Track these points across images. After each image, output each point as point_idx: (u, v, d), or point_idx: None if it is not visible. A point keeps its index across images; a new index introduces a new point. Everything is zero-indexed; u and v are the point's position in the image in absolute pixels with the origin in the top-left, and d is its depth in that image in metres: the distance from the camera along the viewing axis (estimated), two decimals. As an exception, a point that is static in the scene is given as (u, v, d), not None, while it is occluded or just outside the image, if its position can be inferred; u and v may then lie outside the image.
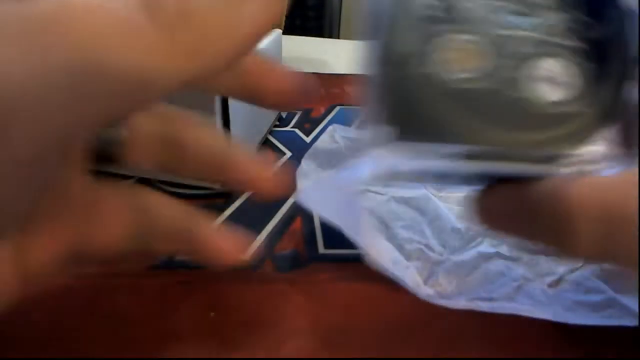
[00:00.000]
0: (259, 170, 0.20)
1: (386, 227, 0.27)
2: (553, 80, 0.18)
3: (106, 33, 0.12)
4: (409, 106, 0.18)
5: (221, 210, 0.28)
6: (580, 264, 0.24)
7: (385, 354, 0.20)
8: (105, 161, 0.20)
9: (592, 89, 0.19)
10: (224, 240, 0.20)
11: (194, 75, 0.14)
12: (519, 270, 0.25)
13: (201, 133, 0.20)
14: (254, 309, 0.22)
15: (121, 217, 0.19)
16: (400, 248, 0.25)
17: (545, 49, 0.19)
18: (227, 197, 0.29)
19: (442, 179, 0.20)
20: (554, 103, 0.18)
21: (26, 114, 0.12)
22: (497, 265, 0.26)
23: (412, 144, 0.18)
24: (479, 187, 0.19)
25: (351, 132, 0.34)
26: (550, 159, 0.18)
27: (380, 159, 0.17)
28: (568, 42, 0.19)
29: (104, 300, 0.21)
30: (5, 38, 0.12)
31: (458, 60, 0.18)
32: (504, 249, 0.26)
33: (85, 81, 0.12)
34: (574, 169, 0.18)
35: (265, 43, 0.38)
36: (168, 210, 0.20)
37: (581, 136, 0.18)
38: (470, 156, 0.18)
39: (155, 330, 0.20)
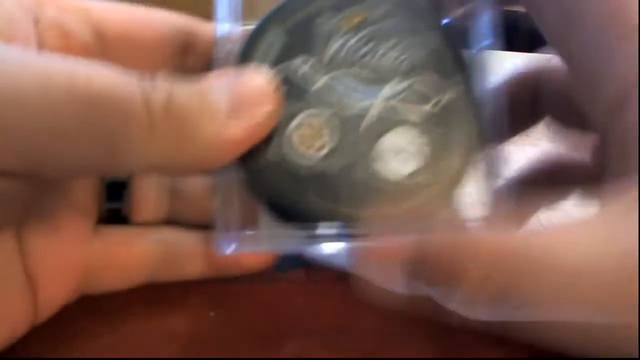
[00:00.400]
0: None
1: None
2: (403, 151, 0.18)
3: (106, 94, 0.14)
4: (267, 190, 0.18)
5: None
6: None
7: (385, 354, 0.20)
8: (116, 219, 0.21)
9: (441, 157, 0.19)
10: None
11: (165, 165, 0.15)
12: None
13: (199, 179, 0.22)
14: (253, 309, 0.22)
15: (135, 251, 0.20)
16: None
17: (394, 120, 0.18)
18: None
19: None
20: (405, 176, 0.18)
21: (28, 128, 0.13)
22: None
23: (274, 227, 0.18)
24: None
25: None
26: (406, 229, 0.18)
27: (245, 241, 0.18)
28: (418, 110, 0.19)
29: (104, 299, 0.21)
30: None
31: (308, 140, 0.18)
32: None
33: (85, 116, 0.14)
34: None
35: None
36: (183, 236, 0.21)
37: (433, 205, 0.18)
38: (328, 236, 0.18)
39: (155, 330, 0.20)
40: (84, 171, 0.16)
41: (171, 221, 0.22)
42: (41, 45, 0.17)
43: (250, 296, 0.22)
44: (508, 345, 0.21)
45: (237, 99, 0.15)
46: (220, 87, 0.15)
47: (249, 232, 0.19)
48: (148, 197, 0.21)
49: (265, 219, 0.19)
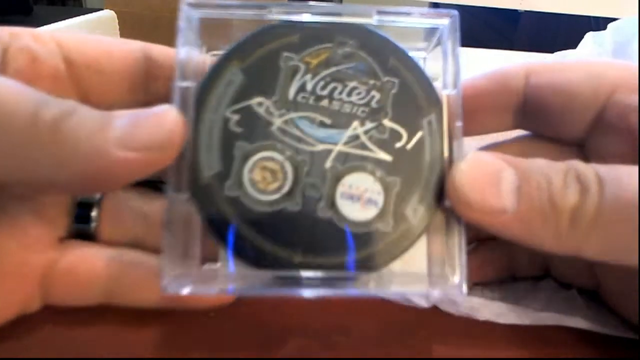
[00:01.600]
0: None
1: None
2: (362, 197, 0.18)
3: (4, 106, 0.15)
4: (220, 227, 0.17)
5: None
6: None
7: (385, 354, 0.20)
8: (84, 238, 0.21)
9: (403, 204, 0.18)
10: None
11: (45, 178, 0.16)
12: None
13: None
14: (253, 308, 0.22)
15: (90, 267, 0.20)
16: None
17: (354, 165, 0.18)
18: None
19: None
20: (363, 222, 0.18)
21: None
22: None
23: (230, 267, 0.17)
24: None
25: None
26: (356, 279, 0.18)
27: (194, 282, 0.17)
28: (380, 155, 0.18)
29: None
30: None
31: (265, 181, 0.17)
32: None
33: None
34: (379, 288, 0.18)
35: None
36: (144, 259, 0.21)
37: (392, 255, 0.18)
38: (283, 281, 0.17)
39: (155, 330, 0.20)
40: None
41: (142, 246, 0.21)
42: (4, 71, 0.18)
43: (250, 296, 0.22)
44: (508, 345, 0.21)
45: (133, 131, 0.16)
46: (122, 119, 0.16)
47: (199, 271, 0.18)
48: (117, 218, 0.21)
49: (222, 257, 0.18)
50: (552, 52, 0.43)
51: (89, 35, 0.21)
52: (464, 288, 0.18)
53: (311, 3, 0.19)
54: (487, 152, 0.18)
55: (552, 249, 0.17)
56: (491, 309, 0.22)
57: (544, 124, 0.21)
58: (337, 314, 0.22)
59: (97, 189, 0.18)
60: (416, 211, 0.18)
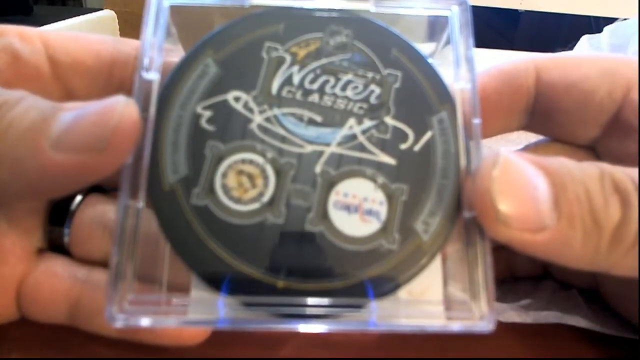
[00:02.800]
0: None
1: None
2: (356, 208, 0.15)
3: None
4: (183, 243, 0.14)
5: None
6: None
7: (385, 354, 0.20)
8: (58, 248, 0.20)
9: (409, 216, 0.15)
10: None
11: None
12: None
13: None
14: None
15: (52, 286, 0.19)
16: None
17: (350, 170, 0.15)
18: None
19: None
20: (361, 238, 0.15)
21: None
22: None
23: (194, 293, 0.15)
24: None
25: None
26: (361, 306, 0.14)
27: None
28: (380, 158, 0.15)
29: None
30: None
31: (240, 188, 0.15)
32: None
33: None
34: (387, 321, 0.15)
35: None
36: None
37: (396, 279, 0.14)
38: (263, 307, 0.14)
39: (154, 330, 0.20)
40: None
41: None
42: None
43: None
44: (509, 343, 0.21)
45: (71, 128, 0.14)
46: (69, 113, 0.14)
47: (161, 298, 0.15)
48: (87, 233, 0.20)
49: (193, 280, 0.15)
50: (552, 52, 0.43)
51: (80, 35, 0.20)
52: (491, 321, 0.15)
53: None
54: (514, 153, 0.15)
55: (583, 267, 0.15)
56: None
57: (556, 124, 0.20)
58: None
59: (38, 194, 0.16)
60: (428, 225, 0.15)
